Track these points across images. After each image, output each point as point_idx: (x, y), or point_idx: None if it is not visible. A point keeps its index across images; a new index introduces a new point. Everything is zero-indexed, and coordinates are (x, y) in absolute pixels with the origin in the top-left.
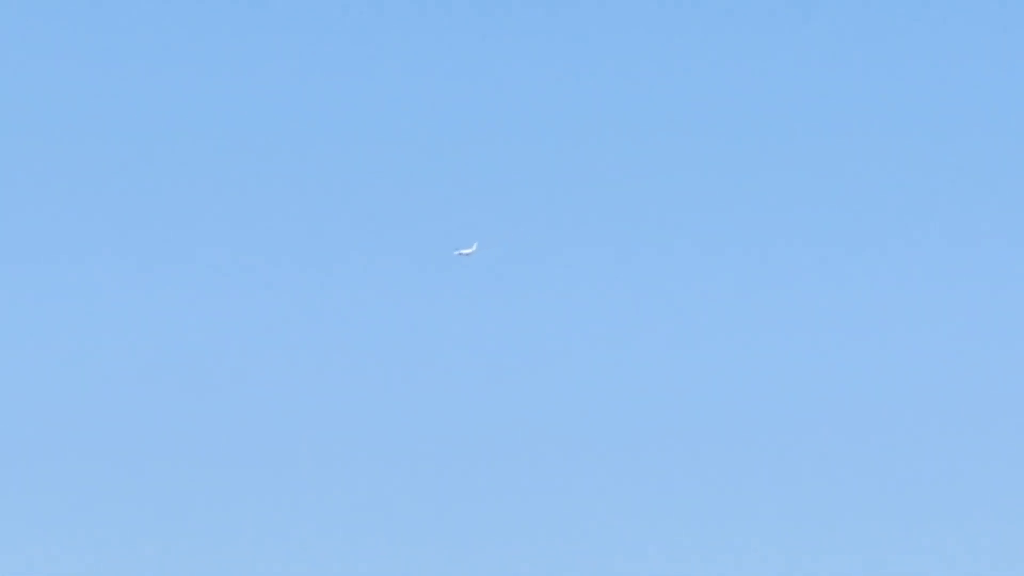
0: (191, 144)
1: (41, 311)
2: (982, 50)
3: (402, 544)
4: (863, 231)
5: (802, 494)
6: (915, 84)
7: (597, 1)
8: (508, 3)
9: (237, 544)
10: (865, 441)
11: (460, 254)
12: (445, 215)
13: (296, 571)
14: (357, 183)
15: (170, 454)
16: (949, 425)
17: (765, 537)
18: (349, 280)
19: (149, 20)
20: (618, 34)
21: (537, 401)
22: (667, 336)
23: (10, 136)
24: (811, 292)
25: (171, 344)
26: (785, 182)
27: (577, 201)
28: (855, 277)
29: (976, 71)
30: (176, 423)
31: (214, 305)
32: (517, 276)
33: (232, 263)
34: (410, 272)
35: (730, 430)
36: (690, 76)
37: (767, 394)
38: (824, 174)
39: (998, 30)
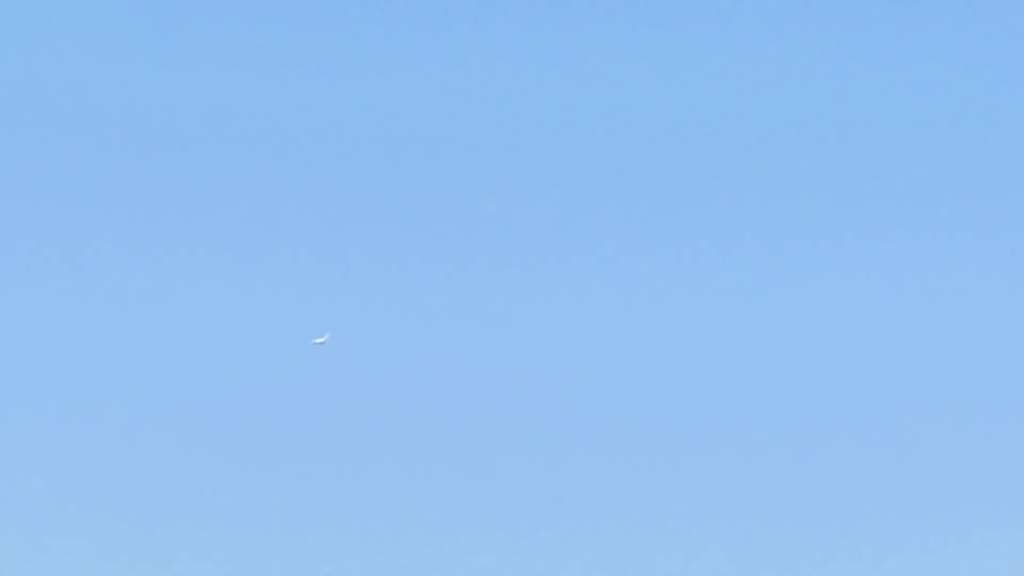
0: (186, 143)
1: (40, 310)
2: (983, 51)
3: (406, 548)
4: (881, 237)
5: (808, 499)
6: (916, 85)
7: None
8: (509, 4)
9: (237, 546)
10: (885, 450)
11: (315, 343)
12: (446, 216)
13: (296, 572)
14: (357, 182)
15: (169, 455)
16: (959, 431)
17: (772, 542)
18: (348, 280)
19: (149, 17)
20: (620, 35)
21: (541, 404)
22: (671, 339)
23: (12, 135)
24: (816, 295)
25: (167, 344)
26: (789, 183)
27: (579, 202)
28: (869, 282)
29: (978, 72)
30: (174, 424)
31: (212, 303)
32: (520, 277)
33: (231, 262)
34: (411, 272)
35: (732, 436)
36: (692, 77)
37: (772, 397)
38: (829, 176)
39: (1000, 30)
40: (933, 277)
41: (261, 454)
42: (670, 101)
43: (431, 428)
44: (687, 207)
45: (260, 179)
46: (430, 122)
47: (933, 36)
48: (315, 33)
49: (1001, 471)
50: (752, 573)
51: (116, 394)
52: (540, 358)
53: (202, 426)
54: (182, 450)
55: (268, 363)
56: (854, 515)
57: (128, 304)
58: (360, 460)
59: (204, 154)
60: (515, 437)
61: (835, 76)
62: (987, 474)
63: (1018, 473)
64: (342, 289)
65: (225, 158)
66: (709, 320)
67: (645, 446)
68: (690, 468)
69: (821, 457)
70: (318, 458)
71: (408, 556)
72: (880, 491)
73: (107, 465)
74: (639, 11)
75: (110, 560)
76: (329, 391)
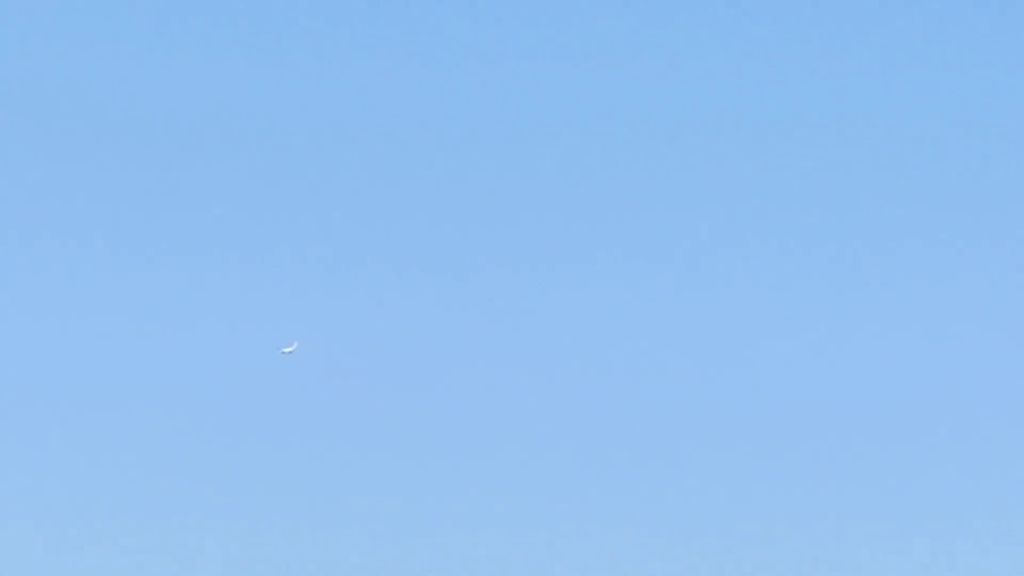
0: (186, 142)
1: (40, 307)
2: (983, 51)
3: (408, 548)
4: (890, 240)
5: (808, 499)
6: (915, 85)
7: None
8: (509, 3)
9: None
10: (886, 451)
11: (283, 352)
12: (447, 216)
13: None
14: (357, 182)
15: (168, 456)
16: (958, 432)
17: (772, 542)
18: (349, 281)
19: (150, 16)
20: (621, 34)
21: (543, 406)
22: (668, 340)
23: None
24: (817, 295)
25: (166, 344)
26: (790, 183)
27: (581, 203)
28: (871, 282)
29: (978, 72)
30: (174, 424)
31: (211, 302)
32: (523, 278)
33: (233, 261)
34: (413, 273)
35: (733, 436)
36: (693, 77)
37: (773, 398)
38: (830, 175)
39: (1000, 31)
40: (932, 277)
41: (233, 460)
42: (671, 100)
43: (416, 431)
44: (686, 207)
45: (243, 180)
46: (419, 123)
47: (933, 36)
48: (311, 30)
49: (1002, 472)
50: (752, 573)
51: (114, 392)
52: (532, 360)
53: (174, 432)
54: (156, 455)
55: (237, 372)
56: (854, 515)
57: (97, 308)
58: (338, 466)
59: (189, 155)
60: (508, 439)
61: (835, 76)
62: (986, 475)
63: (1017, 473)
64: (316, 297)
65: (208, 159)
66: (710, 320)
67: (639, 447)
68: (689, 468)
69: (821, 458)
70: (292, 465)
71: (397, 558)
72: (880, 491)
73: (85, 467)
74: (640, 10)
75: (85, 560)
76: (325, 393)
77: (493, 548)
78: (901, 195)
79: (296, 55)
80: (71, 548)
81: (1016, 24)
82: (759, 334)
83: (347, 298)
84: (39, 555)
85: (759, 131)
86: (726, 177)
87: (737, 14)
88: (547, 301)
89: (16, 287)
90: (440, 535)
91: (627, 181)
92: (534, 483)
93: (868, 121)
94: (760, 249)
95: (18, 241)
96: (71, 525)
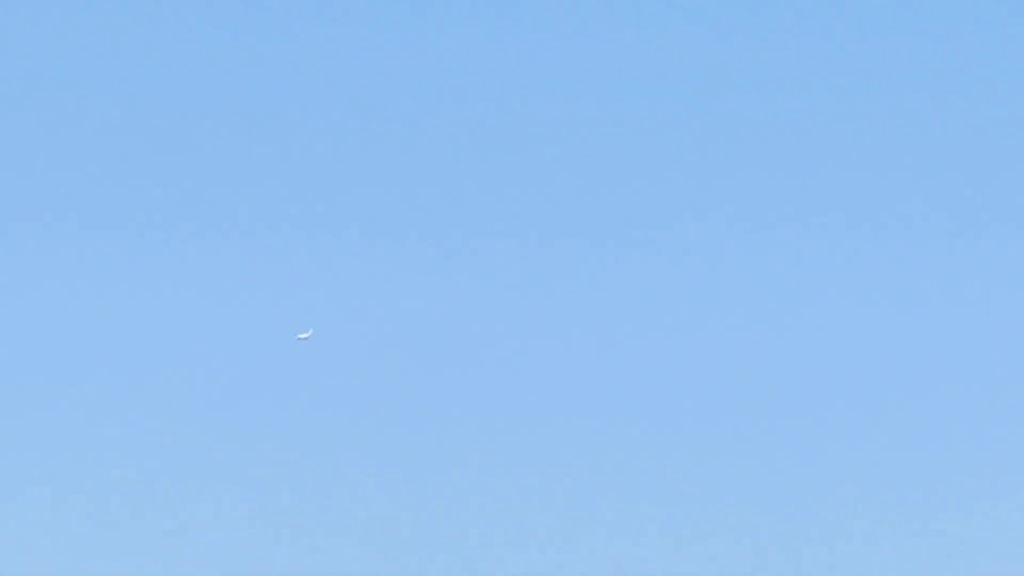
0: (200, 126)
1: (54, 295)
2: (981, 49)
3: (407, 547)
4: (877, 233)
5: (810, 497)
6: (919, 82)
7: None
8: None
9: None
10: (889, 450)
11: (299, 338)
12: (462, 203)
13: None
14: (373, 168)
15: (183, 443)
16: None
17: (771, 540)
18: (364, 267)
19: (150, 12)
20: (620, 29)
21: (554, 397)
22: (683, 336)
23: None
24: (814, 289)
25: (182, 331)
26: (788, 177)
27: (588, 192)
28: (865, 278)
29: (975, 70)
30: (190, 410)
31: (226, 288)
32: (522, 273)
33: (248, 247)
34: (427, 260)
35: (729, 431)
36: (695, 71)
37: (773, 393)
38: (830, 170)
39: (999, 29)
40: (932, 274)
41: (247, 449)
42: (680, 93)
43: (430, 418)
44: (693, 201)
45: (251, 171)
46: (432, 109)
47: (933, 33)
48: (309, 20)
49: (1000, 470)
50: (751, 571)
51: (95, 388)
52: (544, 350)
53: (187, 421)
54: (166, 445)
55: (253, 359)
56: (858, 516)
57: (112, 296)
58: (347, 455)
59: (196, 144)
60: (521, 429)
61: (836, 73)
62: (987, 473)
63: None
64: (329, 284)
65: (215, 148)
66: (717, 316)
67: (657, 438)
68: (697, 468)
69: (823, 455)
70: (305, 453)
71: (398, 554)
72: (882, 486)
73: (97, 455)
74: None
75: (95, 556)
76: (324, 388)
77: (502, 535)
78: (901, 191)
79: (306, 38)
80: (80, 538)
81: (1017, 23)
82: (762, 331)
83: (362, 284)
84: (45, 548)
85: (765, 121)
86: (732, 169)
87: (735, 12)
88: (561, 290)
89: (29, 274)
90: (453, 523)
91: (633, 175)
92: (546, 477)
93: (873, 113)
94: (763, 244)
95: (31, 229)
96: (81, 514)
